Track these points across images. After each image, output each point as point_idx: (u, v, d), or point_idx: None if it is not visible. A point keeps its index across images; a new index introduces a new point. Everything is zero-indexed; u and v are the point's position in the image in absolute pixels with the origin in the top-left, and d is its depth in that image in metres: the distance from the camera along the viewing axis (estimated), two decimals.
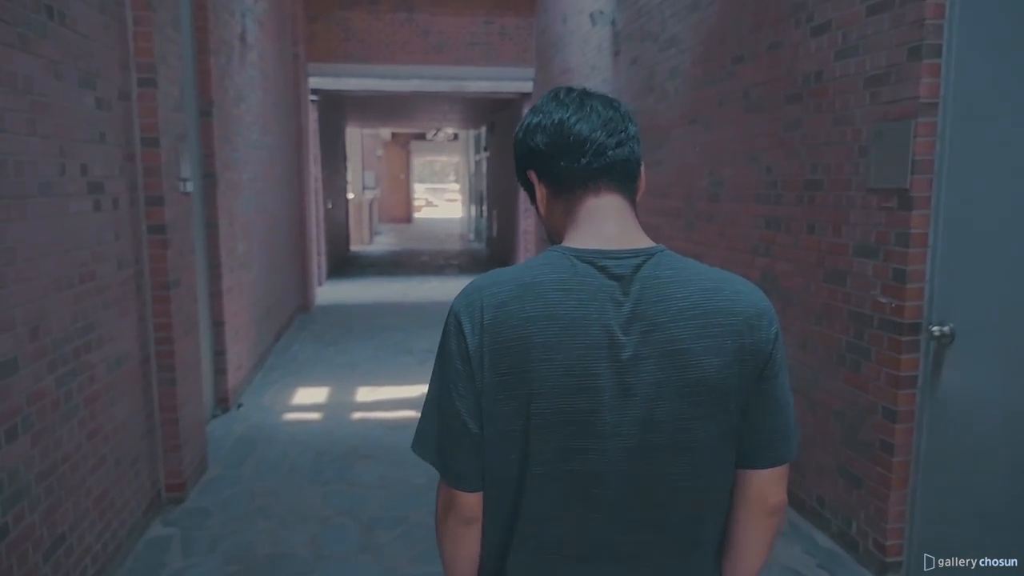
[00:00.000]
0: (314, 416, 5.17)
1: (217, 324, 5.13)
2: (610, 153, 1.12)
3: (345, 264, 14.38)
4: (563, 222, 1.15)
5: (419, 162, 33.04)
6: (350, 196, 17.93)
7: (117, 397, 3.16)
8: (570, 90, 1.18)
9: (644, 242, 1.12)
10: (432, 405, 1.12)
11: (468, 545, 1.16)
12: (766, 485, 1.14)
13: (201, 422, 4.12)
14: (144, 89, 3.43)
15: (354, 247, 17.50)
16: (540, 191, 1.17)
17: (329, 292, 10.79)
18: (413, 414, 5.17)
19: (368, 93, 10.91)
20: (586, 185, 1.12)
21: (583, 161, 1.11)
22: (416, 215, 29.59)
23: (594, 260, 1.07)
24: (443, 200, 37.11)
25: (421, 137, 26.43)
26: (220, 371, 5.17)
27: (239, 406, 5.30)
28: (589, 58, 7.29)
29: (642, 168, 1.19)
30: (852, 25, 3.09)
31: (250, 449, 4.50)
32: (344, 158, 16.79)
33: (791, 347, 3.61)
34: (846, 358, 3.18)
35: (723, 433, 1.09)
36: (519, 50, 10.08)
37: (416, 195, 31.55)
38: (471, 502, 1.12)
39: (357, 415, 5.19)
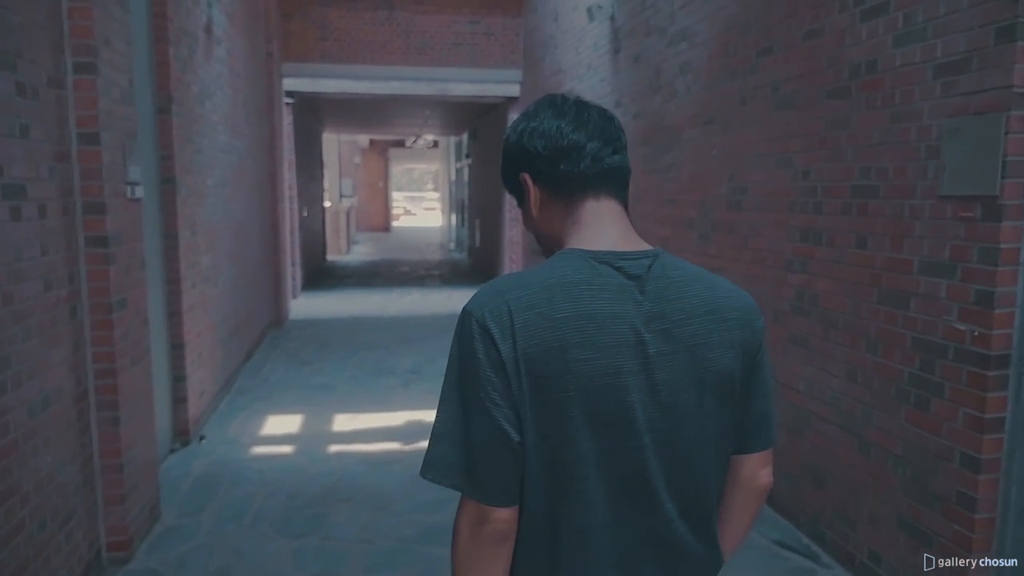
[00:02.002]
0: (286, 449, 4.62)
1: (176, 347, 4.57)
2: (607, 160, 1.15)
3: (321, 275, 13.79)
4: (562, 224, 1.16)
5: (398, 170, 32.52)
6: (327, 204, 17.35)
7: (41, 446, 2.61)
8: (565, 98, 1.19)
9: (645, 244, 1.15)
10: (453, 422, 1.07)
11: (501, 565, 1.11)
12: (756, 468, 1.21)
13: (152, 464, 3.56)
14: (81, 76, 2.90)
15: (331, 257, 16.90)
16: (535, 193, 1.17)
17: (304, 305, 10.21)
18: (397, 447, 4.63)
19: (346, 96, 10.37)
20: (586, 189, 1.14)
21: (582, 166, 1.13)
22: (395, 224, 29.00)
23: (611, 261, 1.09)
24: (422, 209, 36.57)
25: (400, 144, 25.89)
26: (179, 400, 4.61)
27: (201, 439, 4.74)
28: (584, 57, 6.84)
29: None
30: (917, 5, 2.65)
31: (212, 491, 3.95)
32: (321, 165, 16.22)
33: (835, 376, 3.15)
34: (910, 393, 2.72)
35: (731, 421, 1.15)
36: (506, 51, 9.62)
37: (395, 203, 30.95)
38: (508, 517, 1.08)
39: (334, 448, 4.65)
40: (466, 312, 1.07)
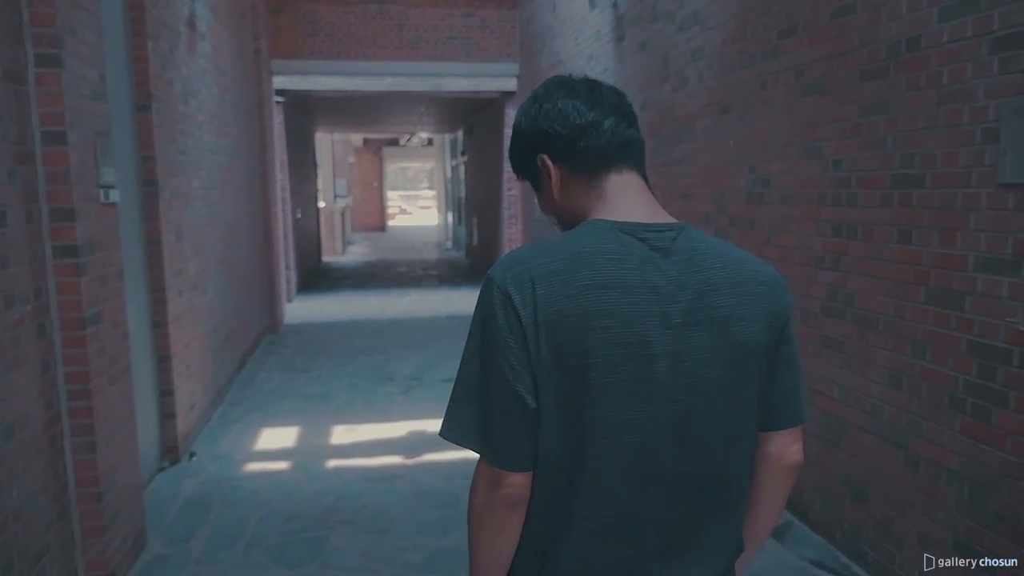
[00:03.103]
0: (281, 466, 4.35)
1: (163, 360, 4.30)
2: (626, 133, 1.15)
3: (317, 277, 13.50)
4: (585, 200, 1.15)
5: (392, 168, 32.20)
6: (321, 205, 17.05)
7: (5, 480, 2.35)
8: (573, 77, 1.19)
9: (670, 217, 1.14)
10: (472, 385, 1.09)
11: (512, 529, 1.12)
12: (786, 444, 1.19)
13: (136, 488, 3.30)
14: (44, 69, 2.63)
15: (326, 258, 16.61)
16: (556, 174, 1.16)
17: (300, 309, 9.94)
18: (398, 460, 4.37)
19: (338, 93, 10.09)
20: (608, 164, 1.14)
21: (603, 140, 1.13)
22: (390, 223, 28.69)
23: (635, 232, 1.09)
24: (417, 207, 36.26)
25: (394, 143, 25.59)
26: (167, 415, 4.34)
27: (191, 456, 4.47)
28: (585, 47, 6.57)
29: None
30: None
31: (202, 514, 3.69)
32: (314, 165, 15.93)
33: (875, 383, 2.90)
34: (965, 403, 2.47)
35: (758, 396, 1.14)
36: (501, 44, 9.34)
37: (390, 203, 30.64)
38: (521, 482, 1.09)
39: (332, 463, 4.39)
40: (488, 278, 1.08)
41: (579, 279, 1.04)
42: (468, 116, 14.64)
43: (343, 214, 18.96)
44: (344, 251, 18.51)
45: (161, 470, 4.24)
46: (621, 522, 1.09)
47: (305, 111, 12.97)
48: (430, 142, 23.91)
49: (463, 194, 17.13)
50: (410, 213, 35.07)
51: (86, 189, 2.83)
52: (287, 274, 10.14)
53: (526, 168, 1.21)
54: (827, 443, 3.22)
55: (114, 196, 3.11)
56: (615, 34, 5.73)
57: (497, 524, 1.12)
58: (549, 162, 1.16)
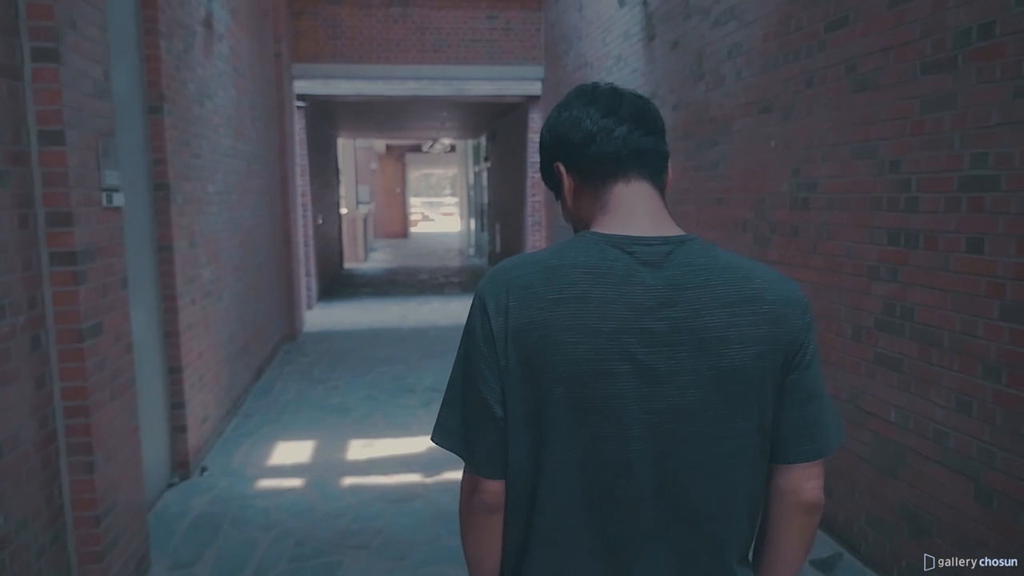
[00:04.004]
0: (295, 483, 4.16)
1: (174, 371, 4.14)
2: (640, 141, 1.11)
3: (338, 284, 13.38)
4: (591, 211, 1.12)
5: (415, 175, 32.16)
6: (343, 211, 16.96)
7: None
8: (597, 85, 1.16)
9: (675, 230, 1.09)
10: (456, 390, 1.11)
11: (492, 534, 1.14)
12: (799, 480, 1.09)
13: (139, 509, 3.12)
14: (41, 64, 2.46)
15: (348, 264, 16.50)
16: (568, 182, 1.14)
17: (320, 316, 9.79)
18: (417, 479, 4.16)
19: (360, 98, 9.95)
20: (616, 173, 1.11)
21: (611, 148, 1.10)
22: (413, 230, 28.62)
23: (623, 245, 1.05)
24: (440, 214, 36.20)
25: (417, 149, 25.53)
26: (178, 429, 4.17)
27: (203, 471, 4.29)
28: (613, 48, 6.35)
29: (669, 164, 1.15)
30: None
31: (210, 535, 3.50)
32: (337, 171, 15.85)
33: (939, 406, 2.63)
34: None
35: (760, 426, 1.06)
36: (526, 47, 9.15)
37: (412, 209, 30.58)
38: (495, 489, 1.10)
39: (348, 481, 4.18)
40: (477, 288, 1.10)
41: (550, 292, 1.03)
42: (491, 121, 14.48)
43: (366, 220, 18.88)
44: (366, 258, 18.41)
45: (171, 486, 4.07)
46: (587, 542, 1.06)
47: (327, 116, 12.88)
48: (453, 148, 23.80)
49: (486, 200, 16.95)
50: (433, 220, 35.02)
51: (86, 192, 2.66)
52: (307, 281, 10.01)
53: (549, 176, 1.18)
54: (882, 470, 2.95)
55: (118, 200, 2.94)
56: (645, 33, 5.50)
57: (477, 528, 1.15)
58: (563, 170, 1.14)
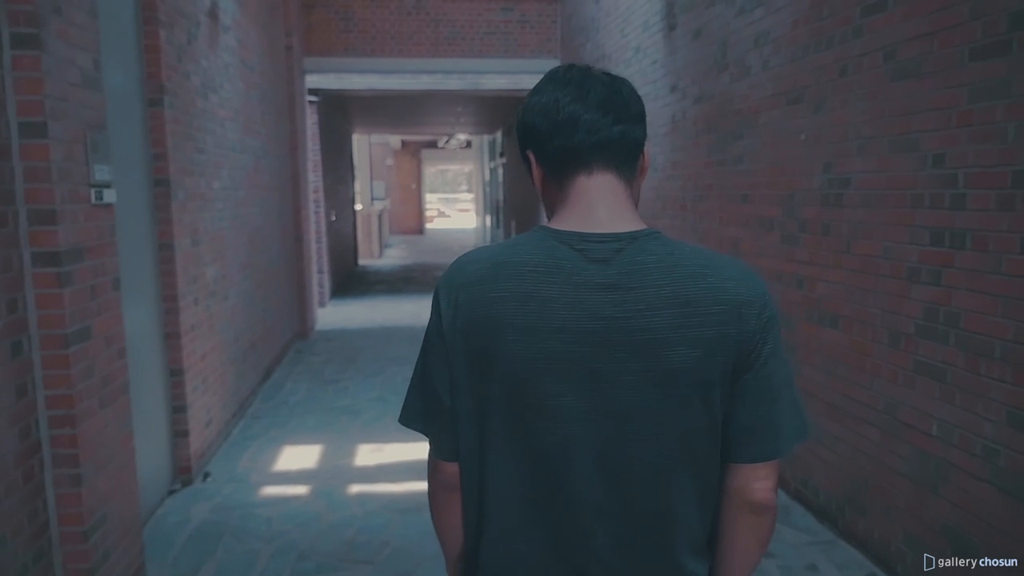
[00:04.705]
0: (300, 490, 4.01)
1: (175, 374, 3.99)
2: (605, 131, 1.06)
3: (352, 281, 13.25)
4: (554, 202, 1.11)
5: (430, 171, 32.04)
6: (358, 207, 16.84)
7: None
8: (571, 67, 1.11)
9: (633, 225, 1.06)
10: (417, 375, 1.16)
11: (452, 512, 1.18)
12: (747, 480, 1.08)
13: (134, 522, 2.97)
14: (21, 51, 2.30)
15: (363, 261, 16.39)
16: (537, 171, 1.12)
17: (332, 314, 9.66)
18: (426, 488, 3.98)
19: (372, 92, 9.80)
20: (578, 165, 1.08)
21: (576, 139, 1.06)
22: (428, 226, 28.49)
23: (573, 242, 1.04)
24: (455, 211, 36.06)
25: (432, 145, 25.39)
26: (180, 433, 4.03)
27: (206, 476, 4.15)
28: (632, 39, 6.13)
29: (645, 150, 1.11)
30: None
31: (210, 547, 3.35)
32: (351, 167, 15.72)
33: (988, 420, 2.42)
34: None
35: (707, 426, 1.05)
36: (542, 39, 8.94)
37: (428, 205, 30.46)
38: (451, 471, 1.15)
39: (355, 488, 4.03)
40: (438, 280, 1.12)
41: (495, 290, 1.04)
42: (507, 116, 14.27)
43: (380, 217, 18.75)
44: (381, 254, 18.30)
45: (172, 493, 3.93)
46: (532, 532, 1.08)
47: (341, 111, 12.74)
48: (468, 144, 23.62)
49: (501, 196, 16.77)
50: (449, 216, 34.89)
51: (72, 188, 2.51)
52: (320, 278, 9.89)
53: (526, 162, 1.14)
54: (922, 487, 2.74)
55: (109, 196, 2.78)
56: (665, 22, 5.29)
57: (440, 505, 1.19)
58: (533, 159, 1.12)
